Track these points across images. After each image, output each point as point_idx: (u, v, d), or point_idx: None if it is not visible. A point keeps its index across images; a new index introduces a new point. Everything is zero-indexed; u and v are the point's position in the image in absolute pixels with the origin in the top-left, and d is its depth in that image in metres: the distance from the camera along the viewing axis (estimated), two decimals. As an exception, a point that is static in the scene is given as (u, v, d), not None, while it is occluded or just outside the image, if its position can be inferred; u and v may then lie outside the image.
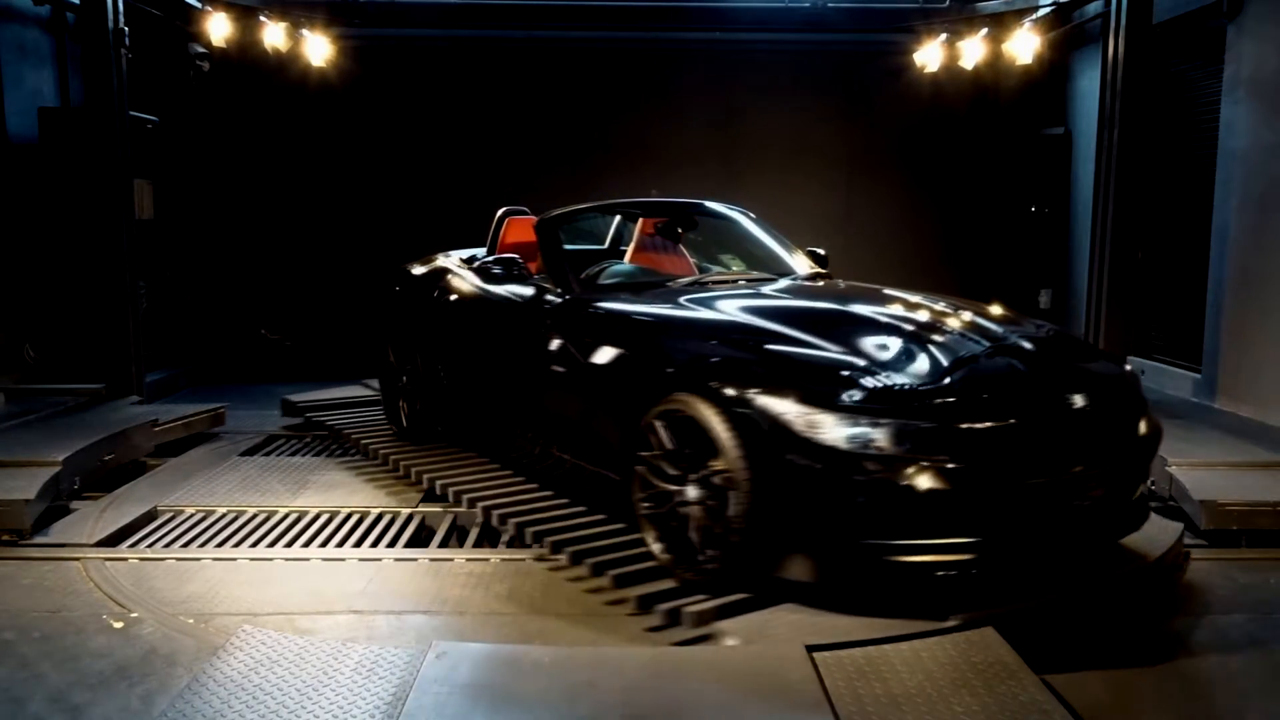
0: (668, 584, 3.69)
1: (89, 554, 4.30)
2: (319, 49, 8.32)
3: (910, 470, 3.26)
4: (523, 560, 4.24)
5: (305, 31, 8.23)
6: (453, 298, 5.54)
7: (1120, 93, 7.11)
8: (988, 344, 3.87)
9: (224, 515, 4.87)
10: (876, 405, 3.35)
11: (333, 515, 4.88)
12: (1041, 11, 8.30)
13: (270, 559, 4.28)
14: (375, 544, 4.53)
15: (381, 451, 5.66)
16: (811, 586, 3.45)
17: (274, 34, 8.04)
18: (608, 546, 4.06)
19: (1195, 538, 4.47)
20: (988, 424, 3.39)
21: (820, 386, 3.43)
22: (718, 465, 3.53)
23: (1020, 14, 8.33)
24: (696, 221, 5.64)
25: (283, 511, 4.92)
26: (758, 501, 3.41)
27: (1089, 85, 8.14)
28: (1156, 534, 4.04)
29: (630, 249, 5.52)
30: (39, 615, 3.65)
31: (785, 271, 5.23)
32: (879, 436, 3.28)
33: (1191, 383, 6.89)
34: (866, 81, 9.31)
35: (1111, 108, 7.20)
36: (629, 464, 3.95)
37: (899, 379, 3.49)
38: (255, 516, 4.86)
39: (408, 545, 4.55)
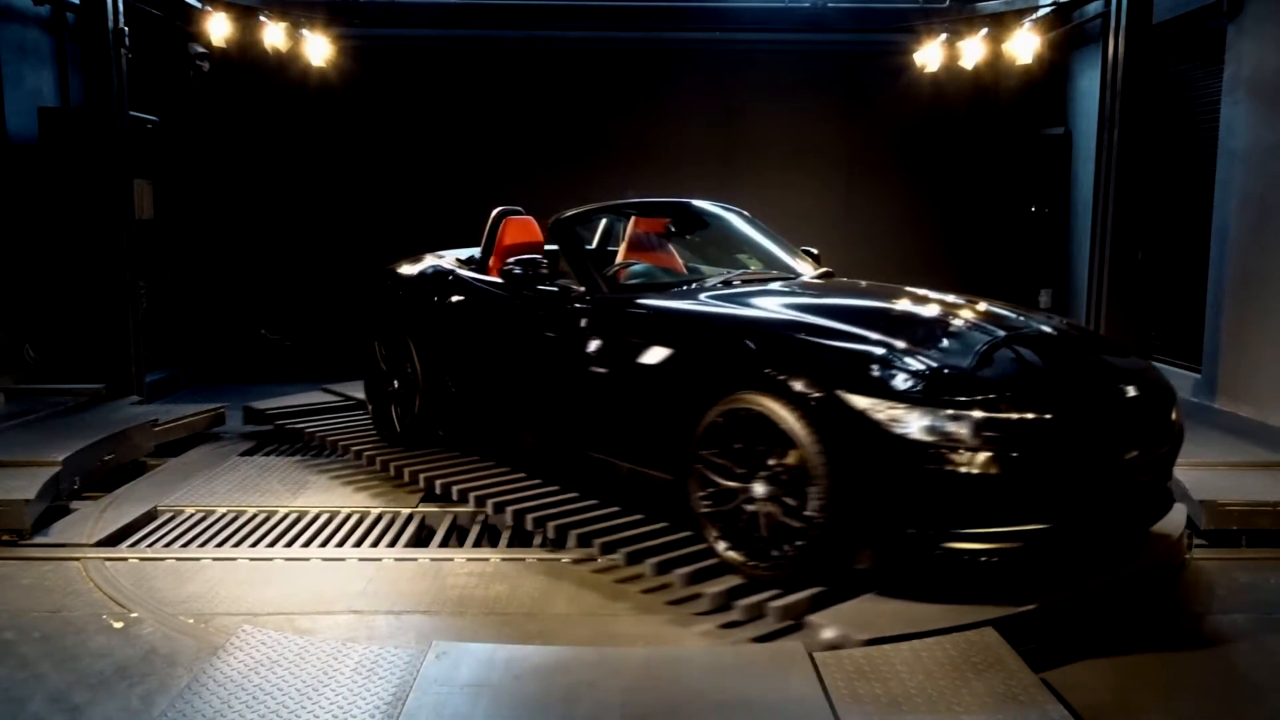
0: (734, 580, 3.73)
1: (89, 554, 4.30)
2: (319, 49, 8.32)
3: (989, 460, 3.34)
4: (523, 560, 4.25)
5: (305, 31, 8.23)
6: (460, 299, 5.44)
7: (1120, 93, 7.10)
8: (1043, 337, 4.09)
9: (224, 515, 4.87)
10: (955, 398, 3.42)
11: (333, 515, 4.88)
12: (1041, 11, 8.30)
13: (270, 559, 4.28)
14: (375, 544, 4.53)
15: (384, 460, 5.48)
16: (890, 576, 3.53)
17: (274, 34, 8.04)
18: (661, 546, 4.08)
19: (1195, 537, 4.48)
20: (1058, 414, 3.50)
21: (898, 380, 3.49)
22: (789, 461, 3.58)
23: (1020, 14, 8.33)
24: (707, 223, 5.64)
25: (283, 511, 4.92)
26: (836, 495, 3.45)
27: (1089, 85, 8.14)
28: (1159, 531, 4.07)
29: (623, 248, 5.50)
30: (39, 615, 3.65)
31: (787, 270, 5.24)
32: (960, 428, 3.35)
33: (1191, 383, 6.89)
34: (866, 81, 9.30)
35: (1111, 108, 7.19)
36: (685, 463, 3.97)
37: (971, 372, 3.60)
38: (255, 516, 4.86)
39: (408, 545, 4.55)
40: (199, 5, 7.85)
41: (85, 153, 6.95)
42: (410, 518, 4.84)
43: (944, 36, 8.41)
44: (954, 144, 9.38)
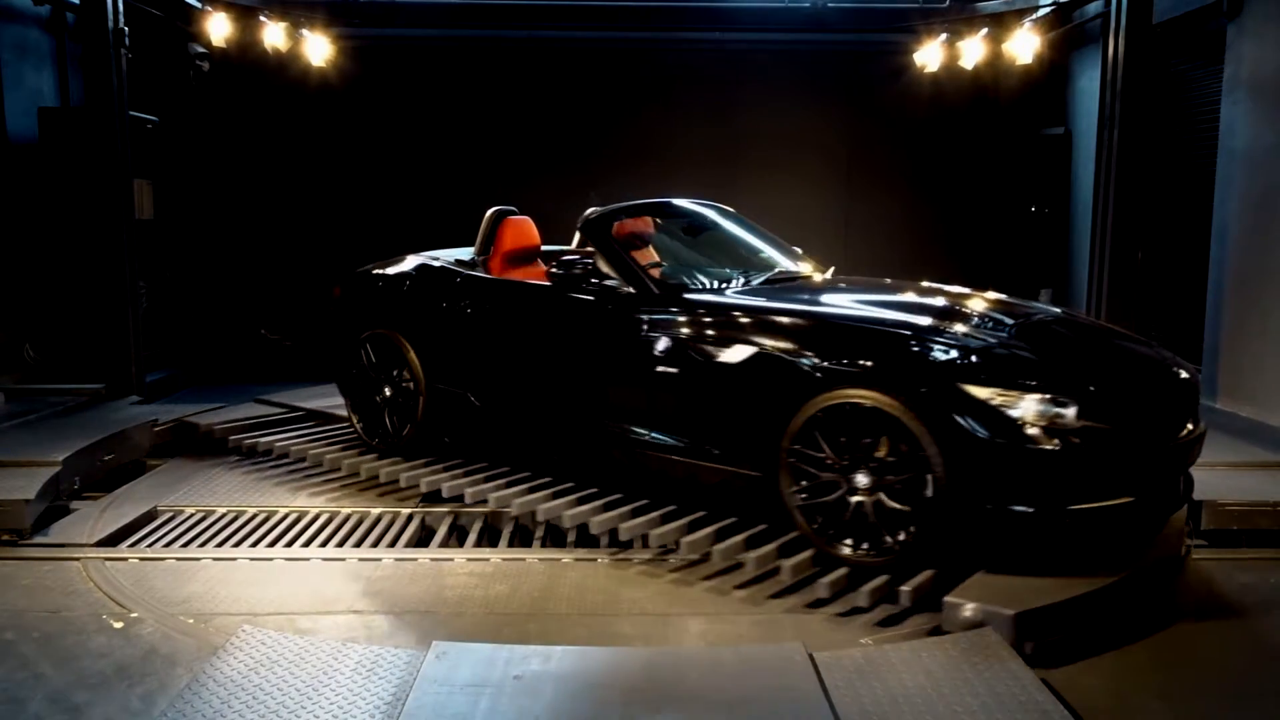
0: (842, 570, 3.85)
1: (89, 554, 4.30)
2: (319, 49, 8.32)
3: (1094, 440, 3.60)
4: (523, 560, 4.25)
5: (305, 31, 8.23)
6: (477, 303, 5.22)
7: (1120, 93, 7.10)
8: (1104, 330, 4.57)
9: (224, 515, 4.87)
10: (1063, 384, 3.67)
11: (333, 515, 4.88)
12: (1041, 11, 8.29)
13: (270, 559, 4.28)
14: (375, 544, 4.53)
15: (398, 474, 5.15)
16: (1004, 555, 3.71)
17: (274, 34, 8.04)
18: (747, 541, 4.16)
19: (1195, 537, 4.48)
20: (1142, 395, 3.91)
21: (1013, 371, 3.74)
22: (900, 451, 3.71)
23: (1020, 14, 8.33)
24: (719, 223, 5.66)
25: (283, 511, 4.92)
26: (953, 481, 3.62)
27: (1089, 85, 8.14)
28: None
29: None
30: (39, 615, 3.65)
31: (793, 269, 5.26)
32: (1069, 411, 3.60)
33: (1191, 383, 6.89)
34: (866, 81, 9.30)
35: (1111, 108, 7.19)
36: (774, 459, 4.04)
37: (1071, 362, 3.95)
38: (255, 516, 4.86)
39: (408, 545, 4.55)
40: (199, 5, 7.84)
41: (85, 153, 6.95)
42: (410, 518, 4.84)
43: (944, 36, 8.41)
44: (954, 144, 9.38)
